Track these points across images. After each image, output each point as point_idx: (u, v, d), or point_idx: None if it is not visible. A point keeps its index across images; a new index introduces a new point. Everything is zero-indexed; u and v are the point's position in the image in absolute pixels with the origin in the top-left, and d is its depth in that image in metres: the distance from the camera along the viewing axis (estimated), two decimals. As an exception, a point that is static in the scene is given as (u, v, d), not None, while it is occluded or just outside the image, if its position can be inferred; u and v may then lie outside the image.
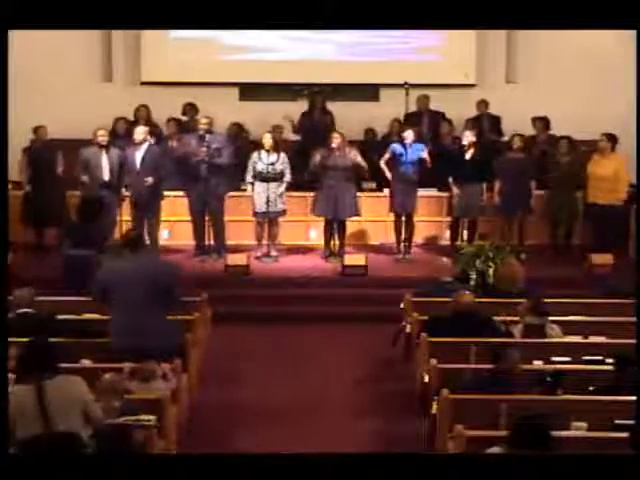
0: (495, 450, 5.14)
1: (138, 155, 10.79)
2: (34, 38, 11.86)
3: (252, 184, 10.91)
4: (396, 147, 11.08)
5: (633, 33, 9.99)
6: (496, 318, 7.82)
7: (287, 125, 12.62)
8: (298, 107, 12.99)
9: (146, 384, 6.57)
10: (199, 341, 8.22)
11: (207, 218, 11.04)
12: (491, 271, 9.32)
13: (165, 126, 12.46)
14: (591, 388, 6.51)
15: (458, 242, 11.24)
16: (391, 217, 11.42)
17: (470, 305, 7.70)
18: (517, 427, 5.00)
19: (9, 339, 6.04)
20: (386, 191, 11.50)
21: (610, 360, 6.74)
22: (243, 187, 11.25)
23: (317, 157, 10.94)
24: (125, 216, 10.85)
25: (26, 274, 9.32)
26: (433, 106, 13.03)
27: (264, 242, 11.19)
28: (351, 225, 11.44)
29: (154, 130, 12.02)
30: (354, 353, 8.92)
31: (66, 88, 13.06)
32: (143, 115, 12.47)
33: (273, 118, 12.43)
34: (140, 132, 10.90)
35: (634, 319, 7.45)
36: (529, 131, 12.40)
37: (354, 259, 10.76)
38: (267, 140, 10.92)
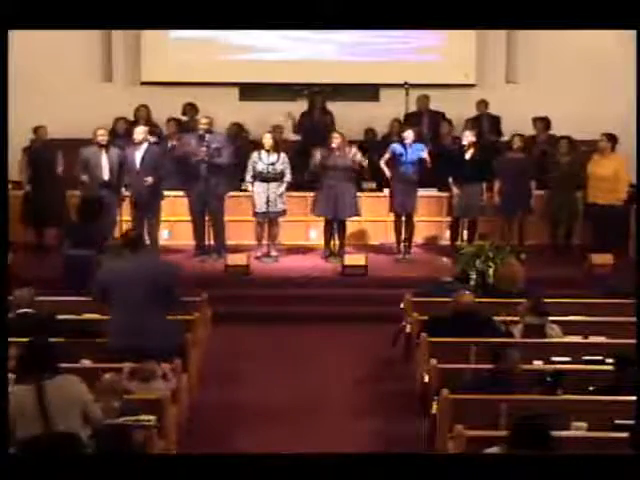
0: (495, 450, 5.14)
1: (138, 155, 10.78)
2: (34, 38, 11.85)
3: (252, 183, 10.90)
4: (396, 147, 11.08)
5: (633, 33, 9.99)
6: (496, 318, 7.82)
7: (289, 123, 12.62)
8: (298, 107, 12.98)
9: (146, 384, 6.57)
10: (199, 341, 8.22)
11: (207, 218, 11.03)
12: (491, 271, 9.32)
13: (165, 126, 12.46)
14: (591, 388, 6.51)
15: (458, 242, 11.24)
16: (391, 217, 11.42)
17: (470, 305, 7.69)
18: (517, 427, 4.99)
19: (9, 339, 6.03)
20: (386, 191, 11.50)
21: (610, 360, 6.73)
22: (244, 187, 11.24)
23: (317, 157, 10.93)
24: (125, 216, 10.85)
25: (26, 274, 9.30)
26: (433, 106, 13.02)
27: (264, 242, 11.19)
28: (351, 225, 11.44)
29: (154, 130, 12.02)
30: (354, 353, 8.92)
31: (66, 88, 13.05)
32: (143, 115, 12.47)
33: (273, 118, 12.44)
34: (140, 132, 10.90)
35: (634, 319, 7.45)
36: (529, 131, 12.39)
37: (354, 259, 10.76)
38: (267, 140, 10.91)
